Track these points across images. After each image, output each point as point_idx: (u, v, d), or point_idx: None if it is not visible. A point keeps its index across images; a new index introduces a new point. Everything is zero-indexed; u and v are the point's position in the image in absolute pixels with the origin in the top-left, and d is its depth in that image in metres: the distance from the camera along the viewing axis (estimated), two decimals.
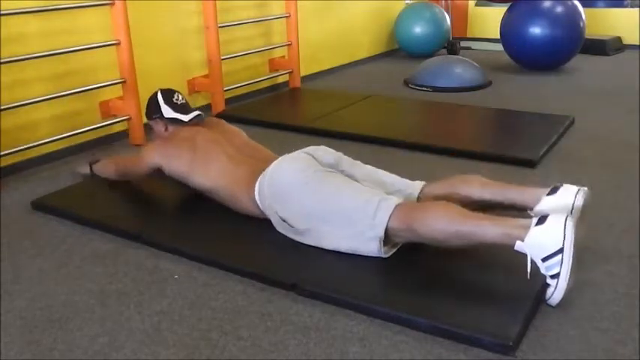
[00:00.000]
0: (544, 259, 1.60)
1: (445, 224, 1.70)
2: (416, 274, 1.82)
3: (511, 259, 1.88)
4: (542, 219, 1.62)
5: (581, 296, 1.72)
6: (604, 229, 2.10)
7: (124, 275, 1.90)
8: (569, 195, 1.81)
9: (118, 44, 3.07)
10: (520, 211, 1.88)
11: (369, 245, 1.81)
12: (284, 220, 1.96)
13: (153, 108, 2.44)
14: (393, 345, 1.53)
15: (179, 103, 2.42)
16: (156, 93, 2.46)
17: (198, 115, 2.40)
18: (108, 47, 3.10)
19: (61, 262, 2.00)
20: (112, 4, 3.01)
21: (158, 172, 2.32)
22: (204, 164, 2.19)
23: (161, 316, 1.68)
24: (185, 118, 2.38)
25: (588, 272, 1.82)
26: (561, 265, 1.59)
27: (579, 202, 1.76)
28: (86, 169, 2.66)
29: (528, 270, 1.61)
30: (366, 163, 2.13)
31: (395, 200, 1.80)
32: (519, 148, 2.97)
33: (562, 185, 1.85)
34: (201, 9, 3.66)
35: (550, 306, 1.65)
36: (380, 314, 1.63)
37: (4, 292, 1.82)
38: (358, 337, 1.56)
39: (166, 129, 2.41)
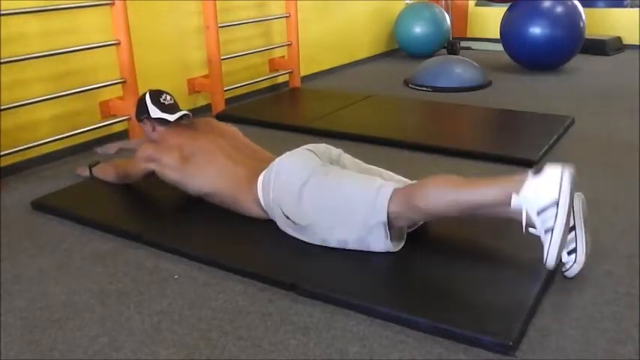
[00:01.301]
0: (539, 213, 1.57)
1: (443, 194, 1.72)
2: (416, 274, 1.82)
3: (511, 259, 1.88)
4: (538, 170, 1.60)
5: (581, 296, 1.72)
6: (604, 229, 2.10)
7: (124, 275, 1.91)
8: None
9: (118, 44, 3.07)
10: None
11: (375, 233, 1.80)
12: (287, 217, 1.96)
13: (141, 108, 2.43)
14: (393, 345, 1.53)
15: (166, 103, 2.41)
16: (144, 94, 2.45)
17: (185, 115, 2.39)
18: (108, 47, 3.10)
19: (61, 262, 2.00)
20: (112, 4, 3.01)
21: (155, 175, 2.32)
22: (201, 168, 2.19)
23: (161, 316, 1.68)
24: (171, 117, 2.36)
25: (588, 272, 1.82)
26: (556, 217, 1.55)
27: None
28: (86, 172, 2.67)
29: (523, 224, 1.59)
30: (366, 164, 2.13)
31: (393, 184, 1.82)
32: (519, 148, 2.97)
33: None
34: (201, 9, 3.66)
35: (547, 269, 1.66)
36: (380, 314, 1.63)
37: (4, 292, 1.82)
38: (358, 337, 1.56)
39: (154, 129, 2.40)
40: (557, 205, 1.56)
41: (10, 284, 1.87)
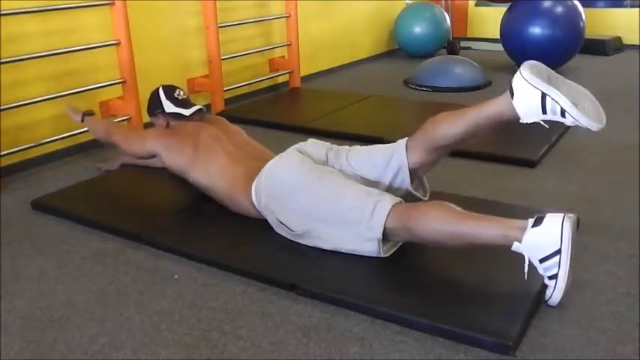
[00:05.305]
0: (542, 260, 1.59)
1: (441, 225, 1.68)
2: (416, 274, 1.82)
3: (511, 258, 1.88)
4: (539, 219, 1.59)
5: (581, 296, 1.72)
6: (604, 229, 2.10)
7: (124, 275, 1.91)
8: None
9: (118, 44, 3.07)
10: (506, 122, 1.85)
11: (368, 246, 1.81)
12: (281, 223, 1.96)
13: (154, 104, 2.46)
14: (393, 345, 1.53)
15: (180, 98, 2.45)
16: (157, 89, 2.48)
17: (200, 109, 2.42)
18: (108, 47, 3.10)
19: (61, 262, 2.00)
20: (112, 4, 3.01)
21: (153, 170, 2.32)
22: (205, 162, 2.20)
23: (161, 316, 1.68)
24: (186, 112, 2.40)
25: (588, 272, 1.82)
26: (559, 266, 1.57)
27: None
28: (78, 117, 2.65)
29: (525, 271, 1.59)
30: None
31: (390, 200, 1.78)
32: (519, 148, 2.97)
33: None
34: (201, 9, 3.66)
35: (550, 306, 1.65)
36: (380, 314, 1.63)
37: (4, 292, 1.82)
38: (358, 337, 1.56)
39: (168, 124, 2.42)
40: (560, 253, 1.57)
41: (10, 284, 1.87)
